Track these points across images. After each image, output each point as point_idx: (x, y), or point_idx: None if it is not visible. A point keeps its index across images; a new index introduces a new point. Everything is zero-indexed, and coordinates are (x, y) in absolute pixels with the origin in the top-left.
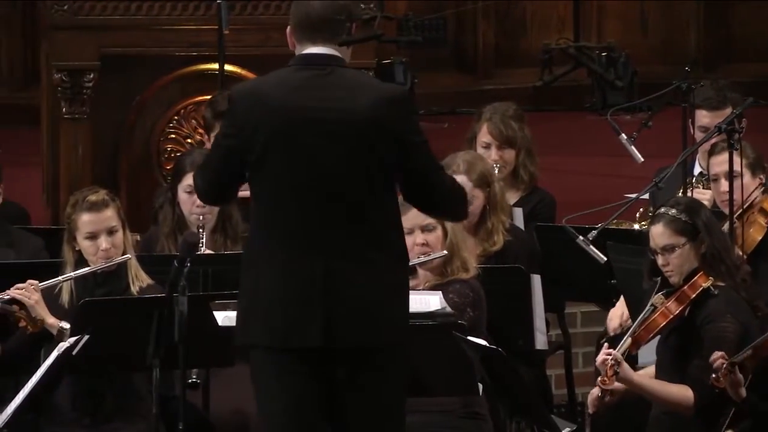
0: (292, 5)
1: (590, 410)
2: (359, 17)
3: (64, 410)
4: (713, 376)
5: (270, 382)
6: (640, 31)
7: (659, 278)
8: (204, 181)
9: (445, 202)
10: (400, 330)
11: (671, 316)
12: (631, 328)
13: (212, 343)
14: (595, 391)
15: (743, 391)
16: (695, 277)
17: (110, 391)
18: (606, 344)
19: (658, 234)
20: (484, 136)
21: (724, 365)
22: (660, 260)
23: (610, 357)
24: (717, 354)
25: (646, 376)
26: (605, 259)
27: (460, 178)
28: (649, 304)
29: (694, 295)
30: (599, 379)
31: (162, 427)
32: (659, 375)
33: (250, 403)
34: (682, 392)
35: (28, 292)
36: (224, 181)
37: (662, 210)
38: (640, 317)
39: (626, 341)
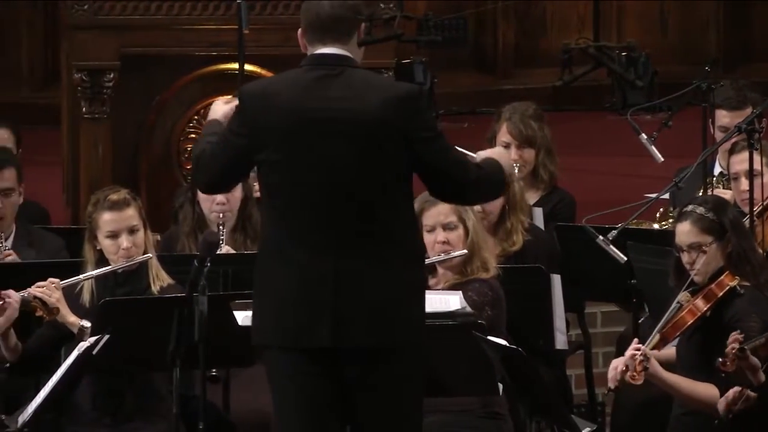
0: (301, 6)
1: (611, 385)
2: (377, 17)
3: (85, 410)
4: (720, 360)
5: (283, 382)
6: (659, 31)
7: (688, 276)
8: (206, 173)
9: (473, 193)
10: (413, 330)
11: (699, 314)
12: (659, 325)
13: (232, 342)
14: (620, 366)
15: (761, 375)
16: (722, 276)
17: (130, 390)
18: (636, 339)
19: (685, 232)
20: (503, 135)
21: (734, 350)
22: (685, 258)
23: (639, 352)
24: (731, 338)
25: (673, 374)
26: (625, 259)
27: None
28: (674, 302)
29: (721, 294)
30: (628, 374)
31: (182, 427)
32: (683, 373)
33: (270, 403)
34: (709, 391)
35: (49, 290)
36: (228, 177)
37: (689, 208)
38: (666, 314)
39: (654, 338)
